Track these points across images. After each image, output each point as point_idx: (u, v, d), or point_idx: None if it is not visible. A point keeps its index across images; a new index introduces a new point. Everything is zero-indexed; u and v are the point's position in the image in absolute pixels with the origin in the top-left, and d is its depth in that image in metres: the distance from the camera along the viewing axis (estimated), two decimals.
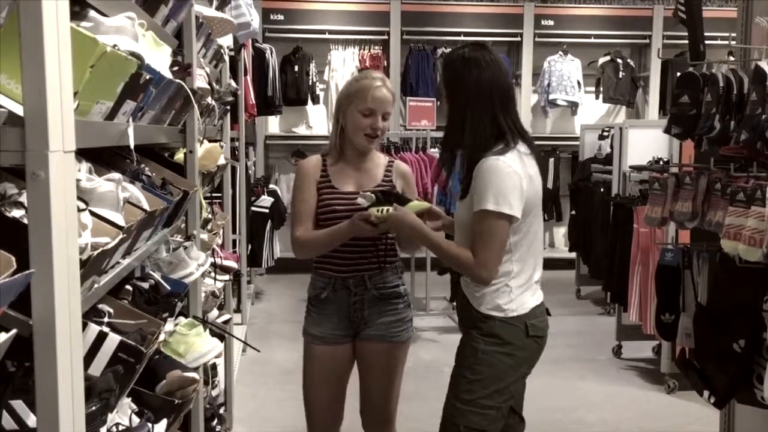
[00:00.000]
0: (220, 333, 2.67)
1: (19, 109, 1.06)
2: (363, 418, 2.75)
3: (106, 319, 1.66)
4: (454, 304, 2.28)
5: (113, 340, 1.52)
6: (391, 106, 2.56)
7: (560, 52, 8.23)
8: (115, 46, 1.34)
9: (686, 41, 3.15)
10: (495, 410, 2.27)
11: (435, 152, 5.90)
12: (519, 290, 2.27)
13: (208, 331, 2.28)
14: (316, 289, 2.61)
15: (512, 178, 2.18)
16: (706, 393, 2.80)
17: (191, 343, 2.11)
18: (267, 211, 6.56)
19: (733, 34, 3.19)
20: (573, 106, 8.37)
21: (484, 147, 2.22)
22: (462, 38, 8.05)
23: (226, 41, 3.45)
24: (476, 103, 2.24)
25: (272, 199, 6.63)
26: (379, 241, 2.57)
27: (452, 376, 2.35)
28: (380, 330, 2.58)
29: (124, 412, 1.64)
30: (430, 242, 2.35)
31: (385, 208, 2.36)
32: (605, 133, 6.64)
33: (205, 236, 2.78)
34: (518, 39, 8.12)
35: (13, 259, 1.01)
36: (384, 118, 2.53)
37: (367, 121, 2.50)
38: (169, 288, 2.07)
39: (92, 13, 1.53)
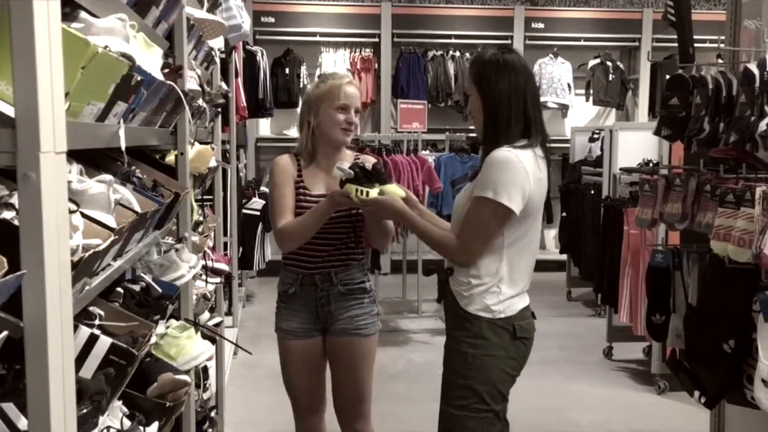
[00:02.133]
0: (212, 336, 2.67)
1: (10, 110, 1.06)
2: (337, 414, 2.80)
3: (97, 322, 1.66)
4: (443, 304, 2.29)
5: (104, 342, 1.51)
6: (360, 102, 2.68)
7: (550, 55, 8.26)
8: (106, 47, 1.34)
9: (675, 44, 3.17)
10: (491, 413, 2.25)
11: (426, 154, 5.90)
12: (509, 294, 2.27)
13: (199, 333, 2.28)
14: (285, 285, 2.72)
15: (520, 173, 2.19)
16: (696, 393, 2.81)
17: (182, 346, 2.11)
18: (258, 213, 6.54)
19: (722, 37, 3.21)
20: (563, 109, 8.40)
21: (508, 141, 2.24)
22: (453, 41, 8.09)
23: (217, 43, 3.45)
24: (512, 103, 2.25)
25: (263, 202, 6.60)
26: (348, 239, 2.66)
27: (443, 384, 2.34)
28: (347, 324, 2.66)
29: (115, 415, 1.64)
30: (414, 226, 2.38)
31: (366, 190, 2.38)
32: (595, 136, 6.67)
33: (196, 238, 2.78)
34: (509, 42, 8.12)
35: (5, 260, 1.00)
36: (355, 112, 2.64)
37: (342, 116, 2.61)
38: (160, 290, 2.07)
39: (83, 14, 1.53)
